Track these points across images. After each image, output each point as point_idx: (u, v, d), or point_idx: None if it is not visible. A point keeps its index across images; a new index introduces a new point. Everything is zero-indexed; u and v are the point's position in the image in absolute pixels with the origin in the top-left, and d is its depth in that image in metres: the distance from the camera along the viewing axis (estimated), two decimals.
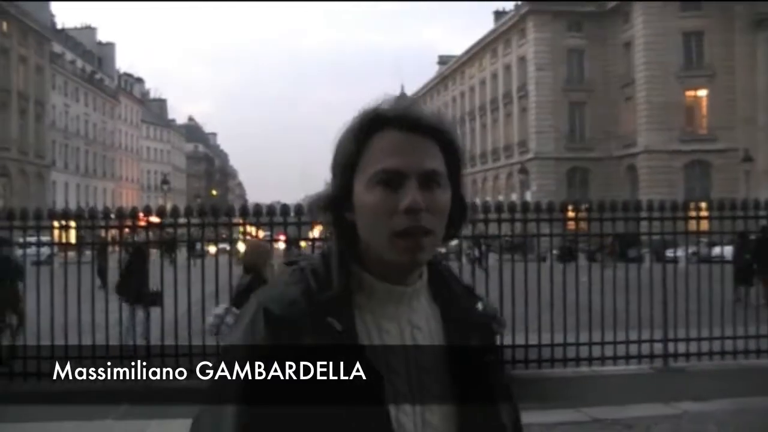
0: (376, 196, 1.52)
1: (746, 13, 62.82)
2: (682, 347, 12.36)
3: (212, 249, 16.27)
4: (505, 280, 11.83)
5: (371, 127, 1.56)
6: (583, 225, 13.44)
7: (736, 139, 62.21)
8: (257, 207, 11.90)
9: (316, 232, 12.34)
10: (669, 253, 17.14)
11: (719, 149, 64.16)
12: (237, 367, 1.50)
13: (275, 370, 1.47)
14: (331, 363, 1.47)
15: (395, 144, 1.54)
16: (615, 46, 71.60)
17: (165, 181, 77.92)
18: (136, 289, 13.05)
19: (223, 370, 1.53)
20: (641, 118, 66.87)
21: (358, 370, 1.47)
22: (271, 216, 11.63)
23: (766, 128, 61.57)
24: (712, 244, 21.03)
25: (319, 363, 1.46)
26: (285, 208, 11.68)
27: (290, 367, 1.47)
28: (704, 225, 13.53)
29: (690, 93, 66.90)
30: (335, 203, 1.60)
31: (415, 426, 1.53)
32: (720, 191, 54.85)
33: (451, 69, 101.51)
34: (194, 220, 11.89)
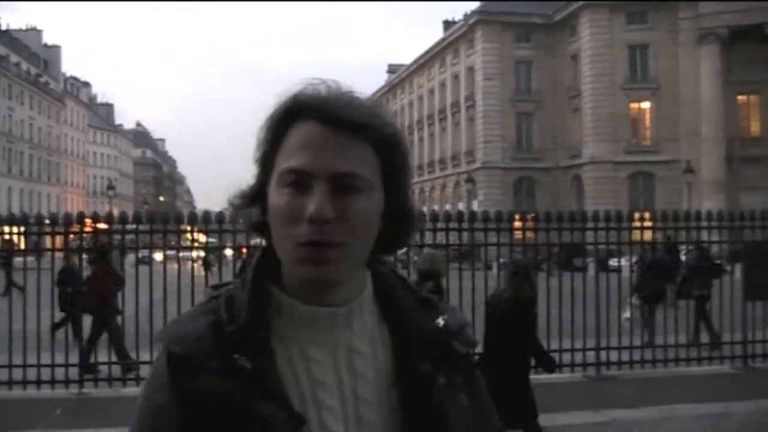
0: (283, 199, 1.31)
1: (690, 28, 63.86)
2: (614, 356, 12.54)
3: (158, 256, 16.10)
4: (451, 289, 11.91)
5: (288, 116, 1.34)
6: (530, 235, 13.58)
7: (680, 151, 63.22)
8: (206, 214, 11.84)
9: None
10: (613, 262, 17.44)
11: (663, 161, 65.06)
12: (139, 409, 1.35)
13: (175, 419, 1.29)
14: (240, 409, 1.26)
15: (308, 139, 1.31)
16: (562, 57, 72.30)
17: (111, 187, 76.88)
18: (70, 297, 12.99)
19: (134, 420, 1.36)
20: (587, 129, 67.57)
21: (270, 415, 1.25)
22: (220, 223, 11.60)
23: (709, 140, 62.60)
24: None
25: (224, 411, 1.26)
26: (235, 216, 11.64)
27: (193, 414, 1.28)
28: (648, 235, 13.74)
29: (635, 105, 67.76)
30: (253, 202, 1.40)
31: None
32: (663, 202, 55.63)
33: (400, 78, 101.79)
34: (142, 227, 11.85)
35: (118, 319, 12.51)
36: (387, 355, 1.40)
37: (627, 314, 13.99)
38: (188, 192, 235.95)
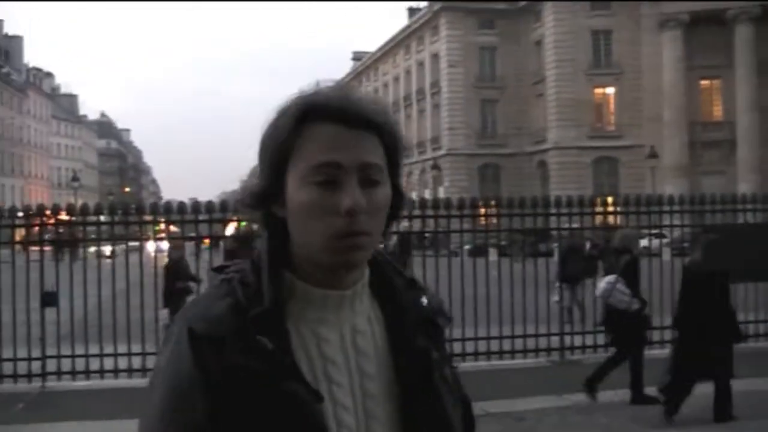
0: (312, 194, 1.39)
1: (652, 14, 64.31)
2: (578, 340, 12.65)
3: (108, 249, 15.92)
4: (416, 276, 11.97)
5: (307, 116, 1.42)
6: (494, 221, 13.67)
7: (642, 136, 63.63)
8: (168, 204, 11.81)
9: (229, 230, 12.29)
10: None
11: (626, 146, 65.54)
12: (161, 391, 1.39)
13: (203, 396, 1.35)
14: (263, 386, 1.35)
15: (333, 137, 1.40)
16: (526, 43, 72.54)
17: (75, 178, 76.35)
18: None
19: (150, 392, 1.42)
20: (552, 115, 67.90)
21: (293, 391, 1.35)
22: (182, 213, 11.55)
23: (671, 125, 63.15)
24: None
25: (250, 386, 1.35)
26: (196, 206, 11.59)
27: (219, 392, 1.35)
28: (612, 220, 13.88)
29: (599, 90, 68.17)
30: (265, 199, 1.47)
31: None
32: (627, 187, 56.04)
33: (365, 65, 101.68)
34: (104, 218, 11.82)
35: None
36: (381, 331, 1.52)
37: (555, 297, 14.15)
38: (154, 182, 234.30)
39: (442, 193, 59.03)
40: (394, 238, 14.81)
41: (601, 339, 12.69)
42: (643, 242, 15.40)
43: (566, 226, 14.24)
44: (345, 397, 1.44)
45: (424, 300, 1.58)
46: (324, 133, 1.41)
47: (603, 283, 10.22)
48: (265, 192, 1.46)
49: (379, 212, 1.43)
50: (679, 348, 9.16)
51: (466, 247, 24.09)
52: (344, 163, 1.39)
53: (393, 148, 1.48)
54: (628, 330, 9.92)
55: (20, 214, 12.02)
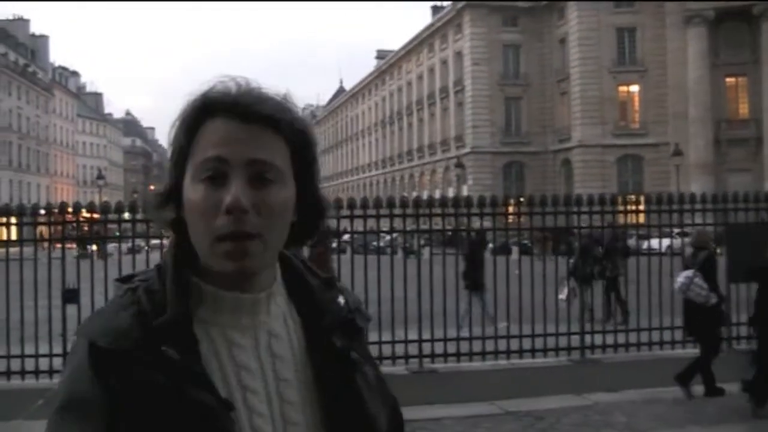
0: (199, 192, 1.33)
1: (677, 10, 63.82)
2: (598, 339, 12.58)
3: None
4: (438, 273, 12.01)
5: (199, 115, 1.36)
6: (521, 219, 13.63)
7: (667, 134, 63.28)
8: None
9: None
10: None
11: (651, 143, 65.18)
12: (58, 413, 1.28)
13: (104, 416, 1.26)
14: (171, 399, 1.26)
15: (223, 133, 1.34)
16: (550, 41, 72.32)
17: (100, 176, 76.61)
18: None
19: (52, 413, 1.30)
20: (576, 113, 67.60)
21: (201, 401, 1.27)
22: None
23: (696, 123, 62.65)
24: (644, 237, 21.41)
25: (157, 401, 1.26)
26: None
27: (123, 408, 1.26)
28: (641, 218, 13.78)
29: (623, 88, 67.82)
30: (168, 200, 1.40)
31: None
32: (652, 185, 55.86)
33: (389, 64, 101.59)
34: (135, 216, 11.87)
35: None
36: (298, 333, 1.46)
37: (562, 295, 14.09)
38: None
39: (465, 192, 58.88)
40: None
41: (621, 338, 12.64)
42: (666, 241, 15.34)
43: (588, 224, 14.13)
44: (260, 404, 1.37)
45: (341, 300, 1.52)
46: (213, 129, 1.35)
47: (681, 277, 10.38)
48: (168, 193, 1.40)
49: (272, 214, 1.34)
50: (764, 344, 9.30)
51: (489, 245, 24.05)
52: (230, 159, 1.32)
53: (301, 148, 1.40)
54: (704, 324, 10.14)
55: (42, 212, 12.11)
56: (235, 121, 1.34)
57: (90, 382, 1.27)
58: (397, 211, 12.14)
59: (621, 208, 13.40)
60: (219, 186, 1.32)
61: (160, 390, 1.26)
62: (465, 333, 12.52)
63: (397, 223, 12.82)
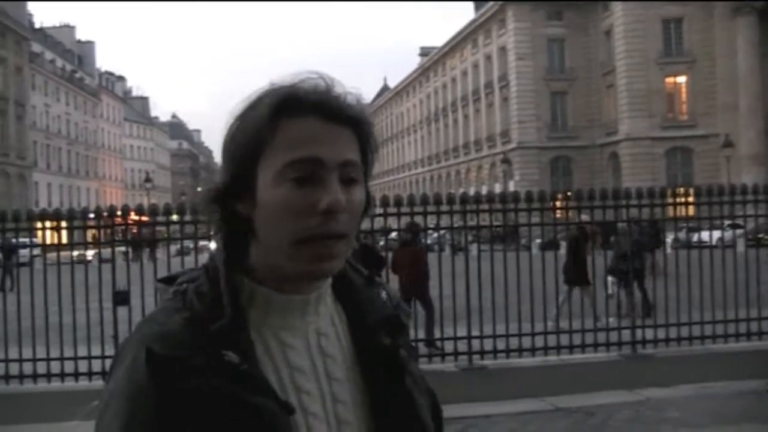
0: (288, 192, 1.29)
1: (725, 1, 63.02)
2: (650, 333, 12.43)
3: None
4: (486, 270, 11.96)
5: (285, 109, 1.32)
6: (569, 214, 13.52)
7: (717, 125, 62.56)
8: None
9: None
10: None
11: (700, 135, 64.49)
12: (121, 419, 1.25)
13: (166, 422, 1.23)
14: (232, 404, 1.24)
15: (313, 131, 1.31)
16: (595, 34, 71.84)
17: (148, 179, 77.54)
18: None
19: (102, 419, 1.28)
20: (622, 106, 67.07)
21: (263, 406, 1.25)
22: None
23: (747, 114, 61.88)
24: (694, 230, 21.17)
25: (218, 406, 1.24)
26: None
27: (184, 415, 1.23)
28: (690, 211, 13.59)
29: (670, 80, 67.19)
30: (228, 195, 1.35)
31: None
32: (702, 177, 55.19)
33: (433, 60, 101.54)
34: (185, 218, 11.97)
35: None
36: (345, 332, 1.45)
37: (609, 291, 14.00)
38: None
39: (512, 187, 58.66)
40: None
41: (673, 332, 12.47)
42: (718, 233, 15.12)
43: (639, 217, 13.95)
44: (315, 405, 1.35)
45: (384, 296, 1.51)
46: (303, 127, 1.31)
47: None
48: (230, 189, 1.35)
49: (357, 213, 1.35)
50: None
51: (537, 240, 23.93)
52: (325, 159, 1.30)
53: (367, 146, 1.39)
54: None
55: (92, 215, 12.24)
56: (325, 120, 1.32)
57: (150, 387, 1.24)
58: (444, 207, 12.10)
59: (670, 200, 13.22)
60: (309, 185, 1.30)
61: (220, 396, 1.24)
62: (564, 325, 12.75)
63: (445, 220, 12.80)
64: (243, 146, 1.33)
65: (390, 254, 13.15)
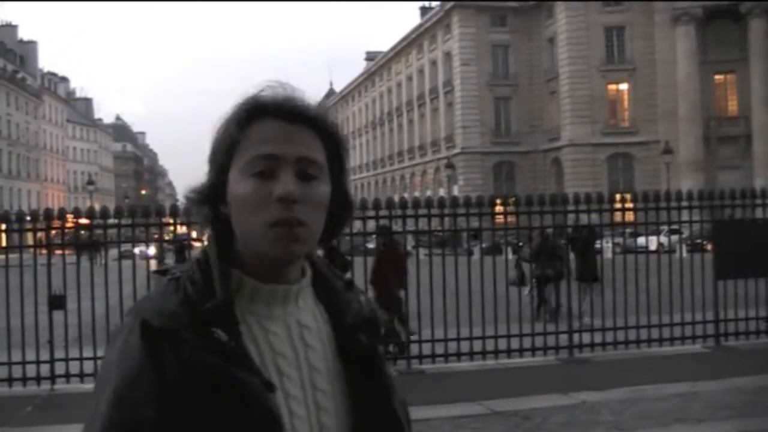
0: (250, 185, 1.43)
1: (665, 9, 64.00)
2: (587, 338, 12.59)
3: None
4: (426, 274, 12.00)
5: (250, 115, 1.48)
6: (511, 219, 13.60)
7: (658, 132, 63.57)
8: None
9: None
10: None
11: (641, 141, 65.43)
12: (113, 384, 1.38)
13: (153, 389, 1.36)
14: (217, 377, 1.37)
15: (272, 131, 1.46)
16: (539, 40, 72.51)
17: (90, 182, 76.70)
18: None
19: (99, 386, 1.42)
20: (565, 112, 67.79)
21: (246, 381, 1.38)
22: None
23: (686, 120, 62.86)
24: (635, 235, 21.40)
25: (204, 378, 1.36)
26: None
27: (171, 384, 1.36)
28: (629, 216, 13.75)
29: (612, 87, 68.08)
30: (210, 196, 1.50)
31: (311, 429, 1.47)
32: (642, 183, 56.01)
33: (378, 65, 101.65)
34: (124, 221, 11.85)
35: None
36: (327, 330, 1.57)
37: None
38: (170, 185, 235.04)
39: (456, 192, 58.92)
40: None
41: (610, 336, 12.64)
42: (661, 238, 15.39)
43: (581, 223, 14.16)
44: (295, 389, 1.47)
45: (362, 300, 1.64)
46: (264, 128, 1.47)
47: None
48: (210, 189, 1.50)
49: (316, 207, 1.46)
50: None
51: (481, 245, 24.05)
52: (280, 155, 1.44)
53: (335, 150, 1.53)
54: None
55: (28, 218, 12.06)
56: (284, 121, 1.47)
57: (141, 361, 1.38)
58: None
59: (608, 206, 13.41)
60: (268, 179, 1.43)
61: (208, 369, 1.37)
62: (587, 323, 13.05)
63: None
64: (217, 153, 1.50)
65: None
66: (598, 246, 16.13)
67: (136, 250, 13.02)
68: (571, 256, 15.07)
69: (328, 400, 1.51)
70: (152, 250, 14.33)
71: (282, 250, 1.44)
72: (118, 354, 1.41)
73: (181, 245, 15.68)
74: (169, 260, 15.88)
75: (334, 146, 1.53)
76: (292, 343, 1.50)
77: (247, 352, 1.42)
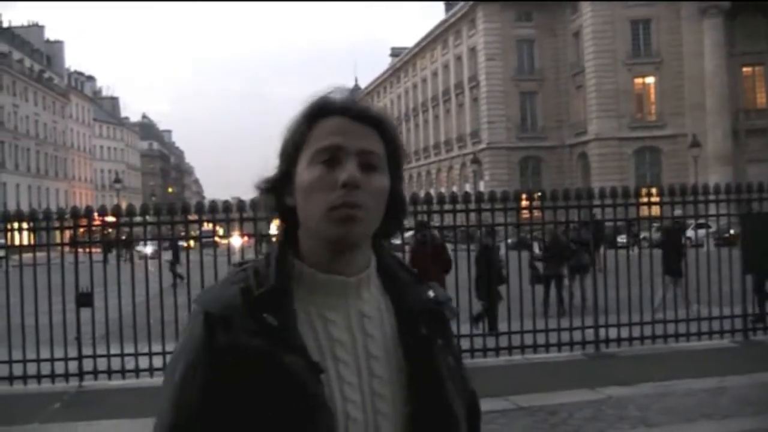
0: (316, 172, 1.55)
1: (692, 2, 63.48)
2: (613, 333, 12.52)
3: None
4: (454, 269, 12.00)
5: (318, 113, 1.61)
6: (538, 213, 13.52)
7: (685, 125, 63.05)
8: (213, 203, 11.84)
9: (273, 227, 12.34)
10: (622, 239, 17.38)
11: (668, 135, 64.98)
12: (176, 374, 1.56)
13: (204, 372, 1.51)
14: (266, 362, 1.48)
15: (338, 127, 1.58)
16: (564, 35, 72.15)
17: (117, 180, 77.25)
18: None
19: (170, 370, 1.60)
20: (591, 106, 67.43)
21: (293, 364, 1.47)
22: (227, 212, 11.64)
23: (714, 113, 62.40)
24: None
25: (253, 363, 1.48)
26: (241, 204, 11.61)
27: (223, 369, 1.49)
28: (656, 210, 13.66)
29: (639, 80, 67.63)
30: (277, 187, 1.63)
31: (365, 414, 1.54)
32: (670, 177, 55.52)
33: (403, 61, 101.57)
34: (150, 219, 11.90)
35: None
36: (391, 320, 1.64)
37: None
38: (197, 182, 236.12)
39: (482, 187, 58.81)
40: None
41: (636, 331, 12.57)
42: (688, 233, 15.26)
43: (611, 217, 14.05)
44: (351, 375, 1.55)
45: (431, 293, 1.70)
46: (330, 124, 1.59)
47: None
48: (279, 180, 1.63)
49: (376, 194, 1.57)
50: None
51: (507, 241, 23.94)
52: (345, 146, 1.56)
53: (394, 154, 1.64)
54: None
55: (56, 216, 12.13)
56: (349, 119, 1.59)
57: (202, 346, 1.53)
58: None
59: (634, 200, 13.28)
60: (334, 168, 1.55)
61: (257, 353, 1.49)
62: (660, 316, 13.01)
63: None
64: (287, 147, 1.63)
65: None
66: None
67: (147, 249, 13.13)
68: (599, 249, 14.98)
69: (385, 386, 1.57)
70: (150, 249, 14.55)
71: (341, 229, 1.53)
72: (187, 340, 1.58)
73: (174, 244, 15.67)
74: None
75: (393, 150, 1.63)
76: (351, 332, 1.59)
77: (296, 335, 1.51)
